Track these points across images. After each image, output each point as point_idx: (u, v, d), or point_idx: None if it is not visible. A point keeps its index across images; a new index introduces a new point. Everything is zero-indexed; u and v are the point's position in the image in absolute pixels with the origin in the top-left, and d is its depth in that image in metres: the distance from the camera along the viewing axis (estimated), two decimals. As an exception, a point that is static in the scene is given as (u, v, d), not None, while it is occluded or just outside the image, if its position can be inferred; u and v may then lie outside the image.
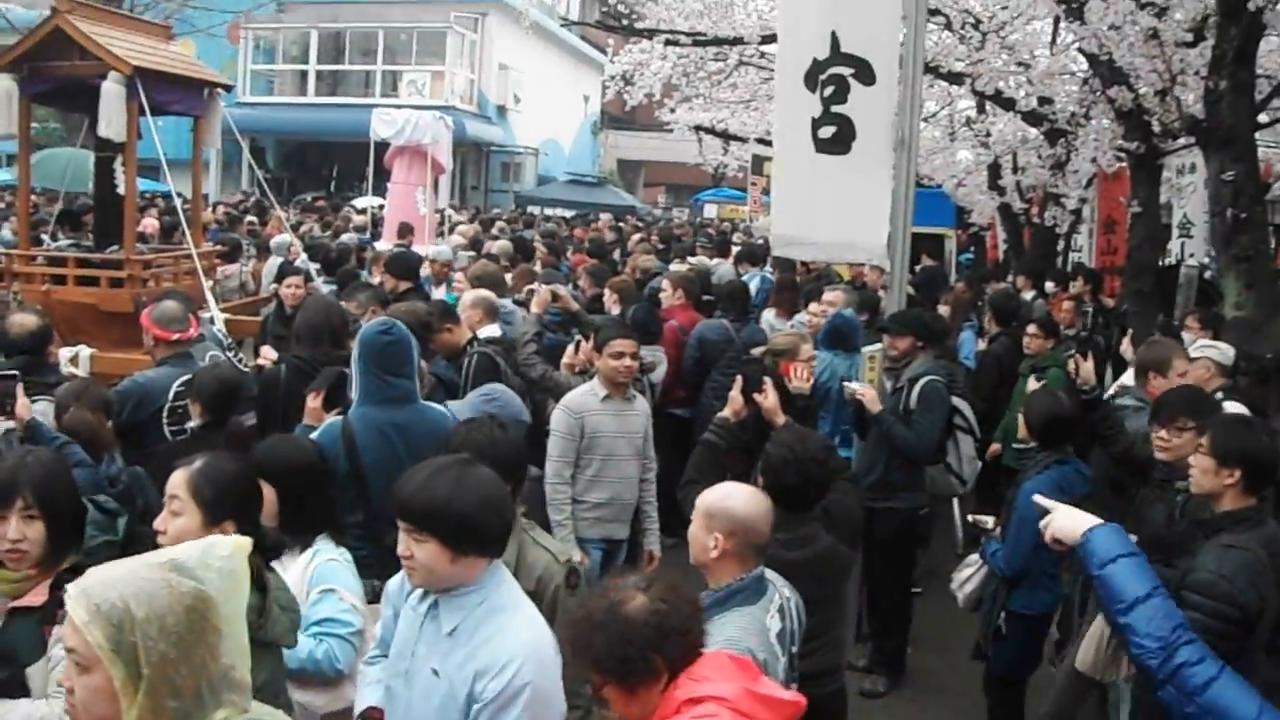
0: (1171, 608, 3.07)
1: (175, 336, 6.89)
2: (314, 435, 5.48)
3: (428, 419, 5.73)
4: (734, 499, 4.15)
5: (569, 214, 35.37)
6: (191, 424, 6.15)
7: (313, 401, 5.97)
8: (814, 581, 4.72)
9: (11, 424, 5.21)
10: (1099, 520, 3.34)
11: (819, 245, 7.27)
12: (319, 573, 4.43)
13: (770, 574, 4.22)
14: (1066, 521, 3.42)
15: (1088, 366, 7.01)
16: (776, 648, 3.97)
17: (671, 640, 3.07)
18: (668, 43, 15.02)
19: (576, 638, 3.14)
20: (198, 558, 2.34)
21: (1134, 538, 3.42)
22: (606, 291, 10.52)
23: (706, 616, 3.42)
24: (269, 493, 4.29)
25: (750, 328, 10.40)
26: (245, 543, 2.47)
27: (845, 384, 7.72)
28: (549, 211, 36.82)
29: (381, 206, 21.04)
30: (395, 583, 4.00)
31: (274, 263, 13.48)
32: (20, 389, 5.30)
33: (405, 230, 17.64)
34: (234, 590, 2.37)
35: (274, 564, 4.07)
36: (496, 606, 3.52)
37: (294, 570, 4.40)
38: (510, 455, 4.44)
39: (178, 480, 3.87)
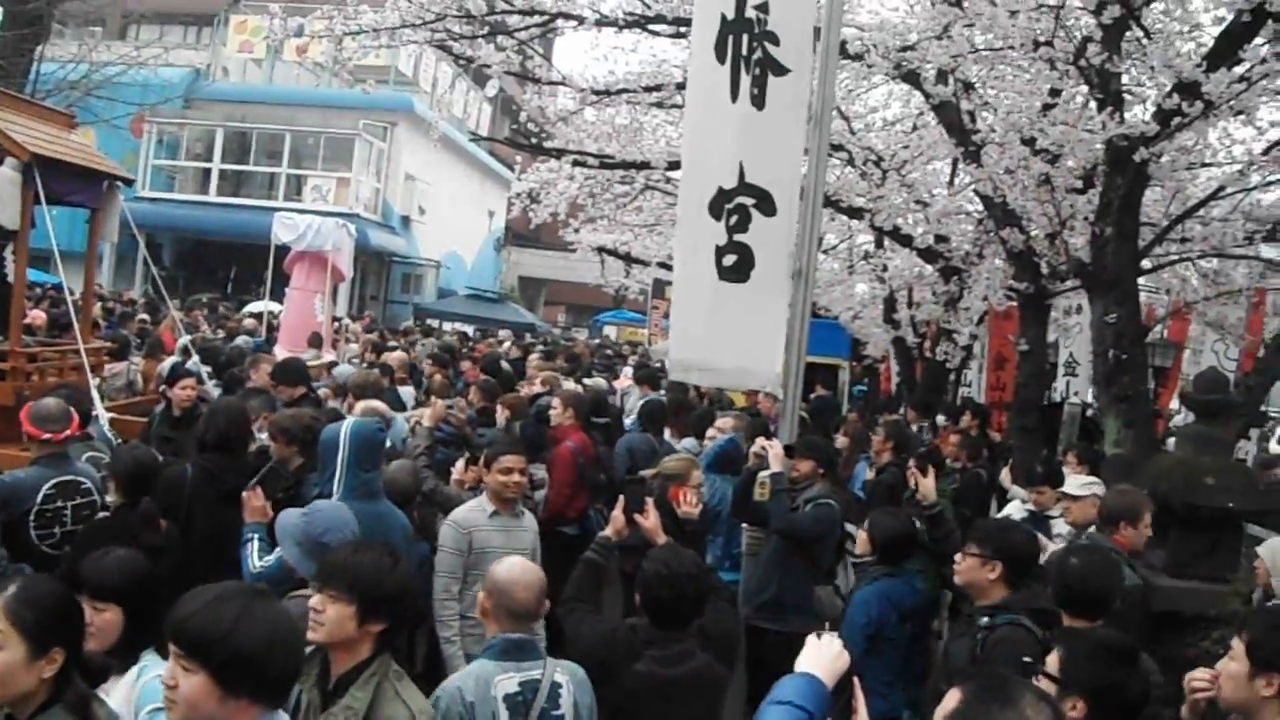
0: None
1: (46, 436, 6.69)
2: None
3: (395, 514, 6.14)
4: (501, 565, 4.71)
5: (469, 329, 35.30)
6: (110, 499, 6.13)
7: (256, 500, 6.03)
8: (689, 699, 4.81)
9: None
10: (807, 670, 3.32)
11: (717, 371, 7.28)
12: (147, 690, 3.99)
13: (554, 662, 4.58)
14: (805, 655, 3.44)
15: (927, 482, 7.16)
16: (500, 703, 4.33)
17: None
18: (575, 163, 15.18)
19: None
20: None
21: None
22: (498, 407, 10.58)
23: None
24: (113, 614, 4.18)
25: (667, 445, 10.80)
26: None
27: (757, 443, 7.74)
28: (448, 325, 36.81)
29: (276, 313, 20.89)
30: None
31: (168, 363, 13.34)
32: None
33: (316, 340, 17.49)
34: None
35: (100, 688, 3.95)
36: None
37: (120, 690, 4.09)
38: (384, 591, 3.98)
39: None
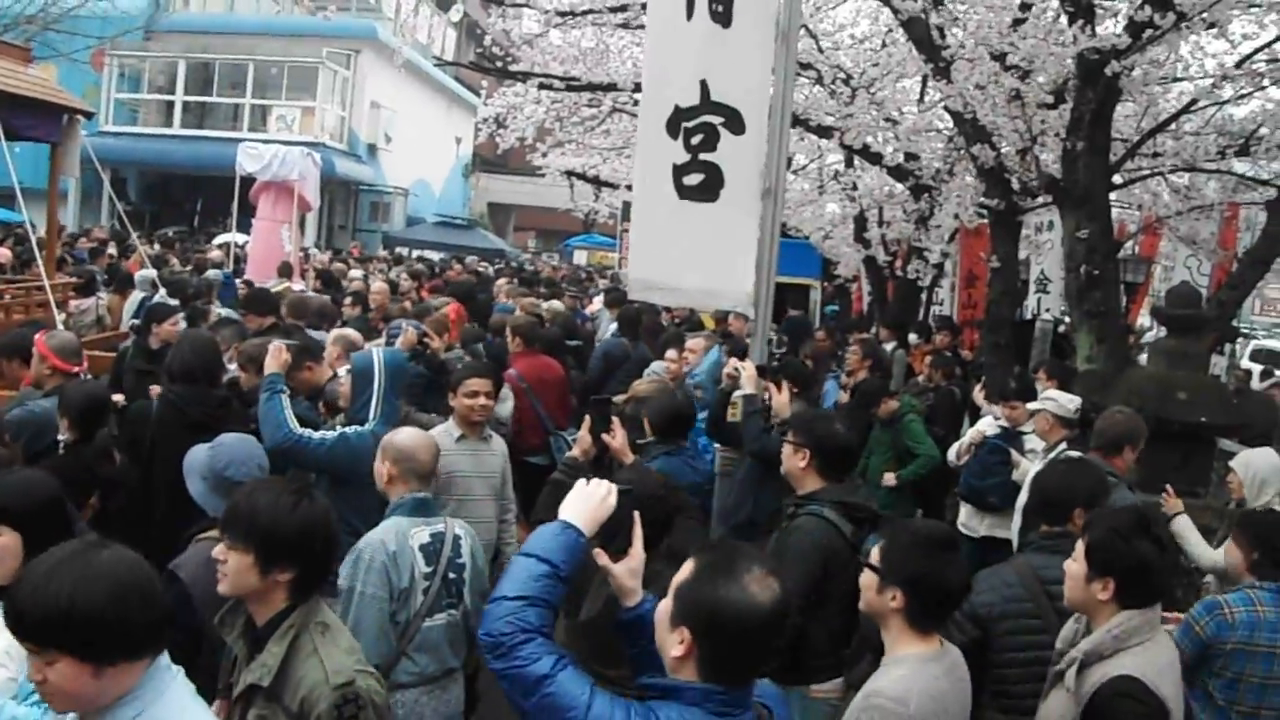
0: (527, 614, 2.94)
1: (75, 369, 6.83)
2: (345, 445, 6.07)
3: None
4: (400, 435, 5.19)
5: (437, 255, 35.09)
6: (61, 438, 6.03)
7: (283, 354, 6.51)
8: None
9: None
10: (565, 519, 3.18)
11: (681, 291, 7.22)
12: None
13: (452, 519, 5.18)
14: (568, 500, 3.30)
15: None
16: (417, 552, 4.86)
17: None
18: (541, 86, 15.03)
19: None
20: None
21: None
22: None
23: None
24: (9, 538, 3.95)
25: (641, 347, 11.41)
26: None
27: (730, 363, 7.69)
28: (416, 253, 36.64)
29: (244, 244, 20.73)
30: None
31: (136, 297, 13.22)
32: None
33: (286, 270, 17.32)
34: None
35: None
36: None
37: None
38: (284, 534, 3.63)
39: None
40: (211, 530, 4.51)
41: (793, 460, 5.50)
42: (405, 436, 5.17)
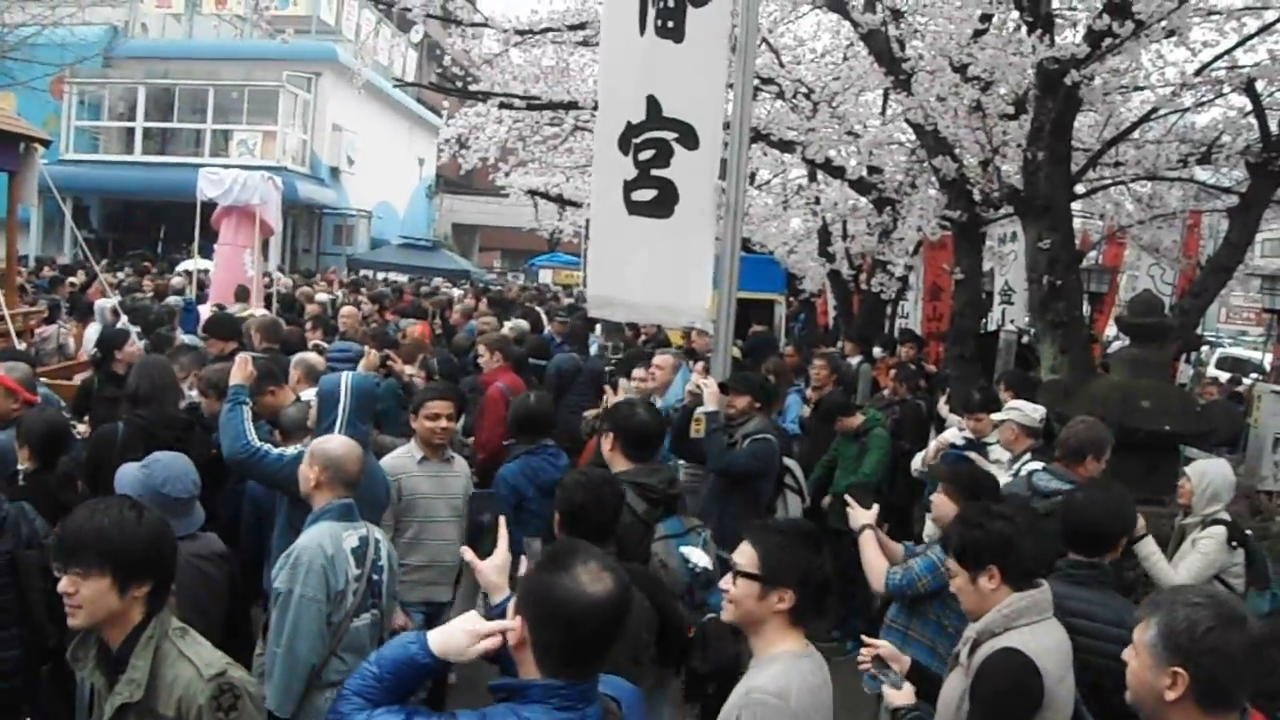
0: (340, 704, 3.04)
1: (37, 399, 6.90)
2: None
3: (379, 469, 6.42)
4: (330, 443, 5.33)
5: (403, 278, 34.95)
6: (21, 468, 6.02)
7: (248, 366, 6.59)
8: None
9: None
10: (425, 641, 3.14)
11: (638, 307, 7.22)
12: None
13: (366, 523, 5.30)
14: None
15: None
16: (349, 555, 5.03)
17: None
18: (503, 105, 14.99)
19: None
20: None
21: None
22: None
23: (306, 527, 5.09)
24: None
25: (592, 360, 12.02)
26: None
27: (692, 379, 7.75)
28: (382, 275, 36.51)
29: (207, 270, 20.60)
30: None
31: (95, 328, 13.11)
32: None
33: (242, 294, 17.22)
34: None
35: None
36: None
37: None
38: (137, 549, 3.61)
39: None
40: None
41: (604, 444, 6.02)
42: (335, 445, 5.32)
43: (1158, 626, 3.10)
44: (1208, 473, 6.87)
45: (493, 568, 3.53)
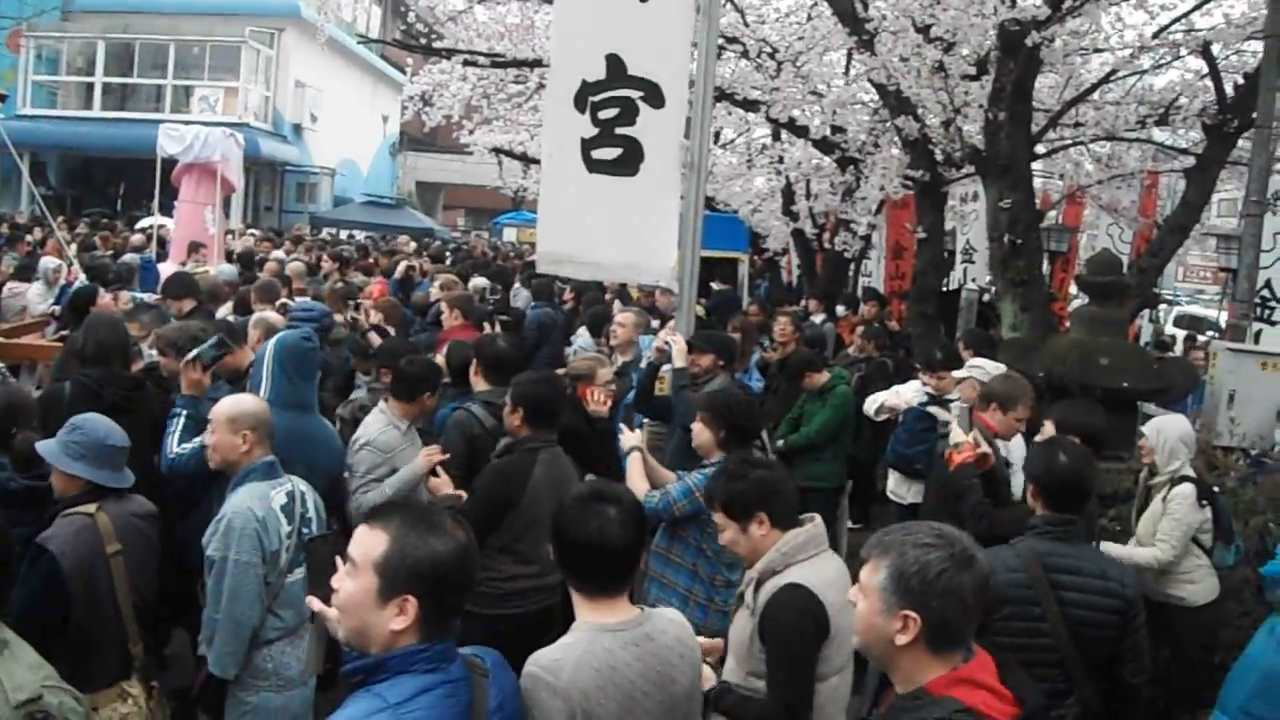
0: None
1: None
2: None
3: (322, 431, 6.22)
4: (243, 401, 5.29)
5: (365, 235, 34.73)
6: None
7: (193, 373, 6.26)
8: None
9: None
10: None
11: (599, 265, 7.19)
12: None
13: (289, 476, 5.25)
14: None
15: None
16: (279, 514, 5.02)
17: None
18: (467, 63, 14.97)
19: None
20: None
21: None
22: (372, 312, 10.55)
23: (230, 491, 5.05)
24: None
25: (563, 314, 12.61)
26: None
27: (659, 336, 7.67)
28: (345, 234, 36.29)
29: (165, 227, 20.46)
30: None
31: (39, 286, 13.05)
32: None
33: (194, 248, 17.15)
34: None
35: None
36: None
37: None
38: None
39: None
40: (84, 505, 4.76)
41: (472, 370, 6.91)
42: (250, 403, 5.30)
43: (888, 569, 2.95)
44: (1163, 429, 6.95)
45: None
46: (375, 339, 9.42)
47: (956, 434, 6.68)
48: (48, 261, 13.74)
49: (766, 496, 4.29)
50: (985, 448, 6.25)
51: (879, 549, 2.99)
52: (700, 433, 5.71)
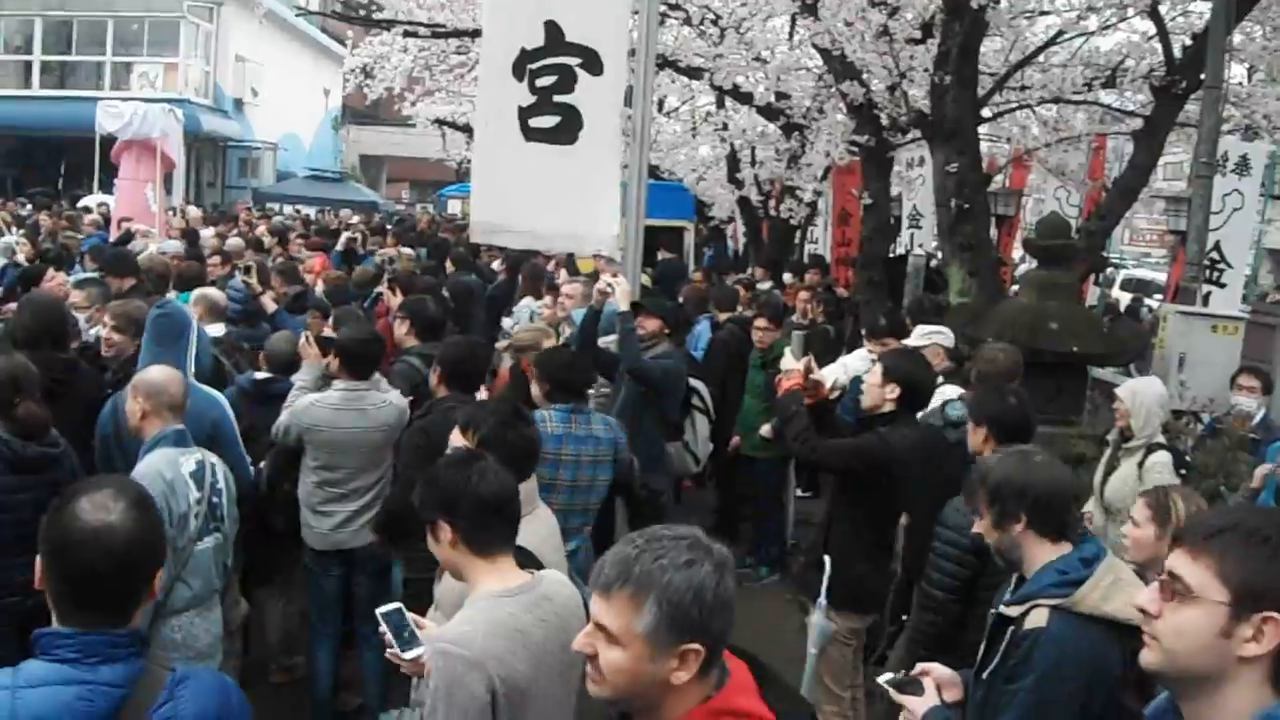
0: None
1: None
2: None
3: (195, 398, 5.90)
4: (150, 373, 5.30)
5: (311, 210, 34.44)
6: None
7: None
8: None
9: None
10: None
11: (537, 235, 7.10)
12: None
13: (198, 447, 5.28)
14: None
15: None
16: (188, 479, 5.04)
17: None
18: (407, 34, 14.81)
19: None
20: None
21: None
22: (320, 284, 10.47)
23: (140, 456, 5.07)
24: None
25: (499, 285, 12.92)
26: None
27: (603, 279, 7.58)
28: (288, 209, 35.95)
29: (104, 204, 20.21)
30: None
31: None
32: None
33: (124, 225, 16.82)
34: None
35: None
36: None
37: None
38: None
39: None
40: None
41: (399, 328, 7.50)
42: (155, 373, 5.32)
43: (654, 608, 2.37)
44: (1139, 392, 6.81)
45: None
46: (268, 304, 9.68)
47: (788, 360, 6.63)
48: (6, 240, 13.47)
49: (509, 457, 3.95)
50: (817, 375, 6.26)
51: (629, 584, 2.40)
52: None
